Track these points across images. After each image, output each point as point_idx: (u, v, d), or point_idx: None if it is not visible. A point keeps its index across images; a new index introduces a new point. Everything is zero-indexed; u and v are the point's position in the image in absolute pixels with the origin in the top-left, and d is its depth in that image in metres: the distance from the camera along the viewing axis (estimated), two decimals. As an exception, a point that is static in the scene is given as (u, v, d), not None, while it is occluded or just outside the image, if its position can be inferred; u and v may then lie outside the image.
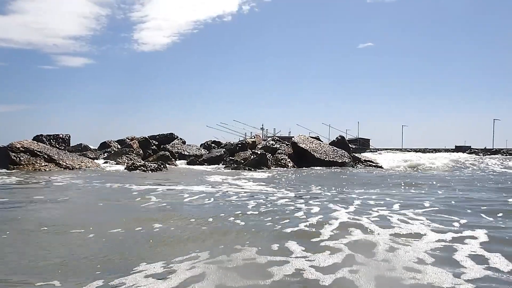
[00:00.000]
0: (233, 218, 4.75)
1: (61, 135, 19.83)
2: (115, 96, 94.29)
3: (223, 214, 5.02)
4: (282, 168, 16.38)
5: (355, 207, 5.64)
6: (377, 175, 13.52)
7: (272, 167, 16.49)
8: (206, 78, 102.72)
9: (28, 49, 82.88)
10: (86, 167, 13.95)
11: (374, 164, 19.03)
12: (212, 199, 6.59)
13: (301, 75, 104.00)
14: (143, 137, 19.84)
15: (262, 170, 15.08)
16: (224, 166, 16.57)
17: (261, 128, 63.34)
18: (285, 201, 6.34)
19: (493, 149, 51.13)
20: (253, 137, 27.19)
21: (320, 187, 8.69)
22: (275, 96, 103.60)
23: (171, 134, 21.43)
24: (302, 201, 6.40)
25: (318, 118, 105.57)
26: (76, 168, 13.51)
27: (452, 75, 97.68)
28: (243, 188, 8.35)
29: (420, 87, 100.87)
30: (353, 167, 17.42)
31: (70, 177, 10.88)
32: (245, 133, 63.26)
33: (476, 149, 51.04)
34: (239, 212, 5.20)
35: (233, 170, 14.87)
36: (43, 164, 13.29)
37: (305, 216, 4.88)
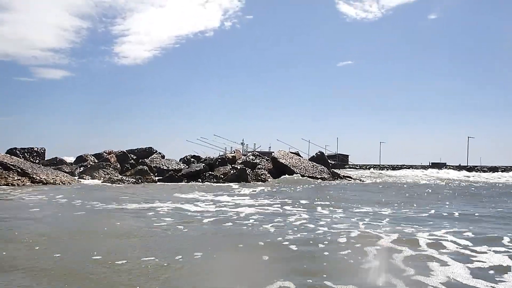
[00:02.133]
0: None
1: (35, 149, 19.31)
2: (93, 109, 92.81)
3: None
4: (262, 183, 16.33)
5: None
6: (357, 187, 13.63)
7: (251, 182, 16.43)
8: (187, 93, 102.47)
9: (5, 60, 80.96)
10: (61, 181, 13.60)
11: (352, 180, 19.23)
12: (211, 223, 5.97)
13: (281, 92, 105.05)
14: (121, 151, 19.53)
15: (239, 184, 14.99)
16: (203, 181, 16.38)
17: (241, 143, 63.38)
18: (304, 223, 5.88)
19: (467, 166, 52.45)
20: (233, 152, 27.12)
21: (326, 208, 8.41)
22: (256, 112, 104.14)
23: (150, 148, 21.16)
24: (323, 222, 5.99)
25: (298, 133, 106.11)
26: (51, 183, 13.15)
27: (428, 93, 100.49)
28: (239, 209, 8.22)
29: (397, 104, 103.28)
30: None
31: (40, 193, 10.55)
32: (225, 148, 63.14)
33: (451, 166, 52.28)
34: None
35: (213, 184, 14.74)
36: (16, 178, 12.88)
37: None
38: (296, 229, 5.42)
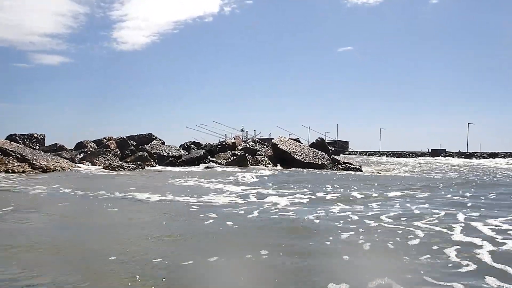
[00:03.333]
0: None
1: (35, 135, 19.25)
2: (92, 95, 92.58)
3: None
4: (263, 169, 16.34)
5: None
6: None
7: (252, 168, 16.46)
8: (186, 79, 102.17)
9: (2, 46, 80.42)
10: (61, 167, 13.58)
11: (352, 167, 19.20)
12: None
13: (281, 78, 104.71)
14: (121, 138, 19.49)
15: (241, 169, 15.00)
16: (205, 167, 16.39)
17: (241, 129, 63.29)
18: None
19: (467, 152, 52.46)
20: (233, 139, 27.09)
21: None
22: (256, 98, 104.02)
23: (150, 134, 21.12)
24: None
25: (298, 120, 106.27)
26: (51, 169, 13.13)
27: (429, 79, 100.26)
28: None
29: (398, 90, 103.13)
30: (331, 169, 17.49)
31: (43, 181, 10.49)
32: (225, 134, 63.06)
33: (451, 152, 52.30)
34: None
35: (216, 169, 14.76)
36: (16, 164, 12.85)
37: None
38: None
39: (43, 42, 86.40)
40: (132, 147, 18.83)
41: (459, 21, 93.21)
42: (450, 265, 3.32)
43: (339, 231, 4.52)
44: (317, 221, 5.13)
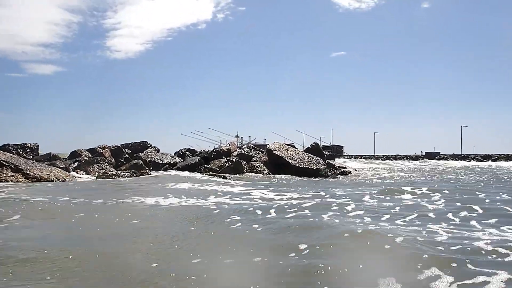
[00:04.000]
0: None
1: (29, 144, 19.12)
2: (86, 104, 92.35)
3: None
4: (258, 175, 16.35)
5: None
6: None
7: (247, 174, 16.46)
8: (180, 86, 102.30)
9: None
10: (55, 177, 13.50)
11: (347, 171, 19.27)
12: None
13: (275, 83, 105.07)
14: (115, 146, 19.43)
15: (237, 176, 14.99)
16: (199, 175, 16.35)
17: (236, 135, 63.15)
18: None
19: (461, 154, 52.79)
20: (228, 145, 27.09)
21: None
22: (250, 104, 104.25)
23: (144, 142, 21.07)
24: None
25: (293, 125, 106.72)
26: (45, 179, 13.05)
27: (422, 83, 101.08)
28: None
29: (391, 94, 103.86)
30: (327, 175, 17.43)
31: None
32: (220, 140, 62.94)
33: (445, 155, 52.62)
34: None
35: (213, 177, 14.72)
36: (9, 175, 12.76)
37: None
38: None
39: (36, 52, 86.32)
40: (127, 155, 18.76)
41: (451, 24, 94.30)
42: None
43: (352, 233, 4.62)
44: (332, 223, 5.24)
